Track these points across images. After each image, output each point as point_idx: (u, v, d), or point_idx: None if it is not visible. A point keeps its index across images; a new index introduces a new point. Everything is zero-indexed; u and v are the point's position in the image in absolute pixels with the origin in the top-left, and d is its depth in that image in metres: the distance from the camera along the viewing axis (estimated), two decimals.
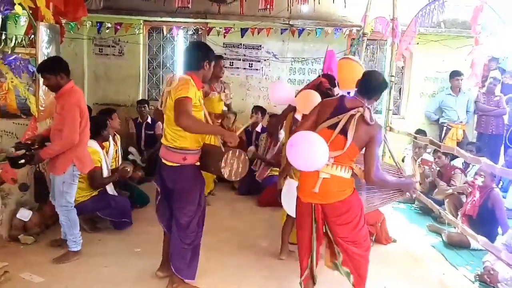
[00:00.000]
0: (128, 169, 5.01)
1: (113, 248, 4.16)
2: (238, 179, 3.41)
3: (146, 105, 7.24)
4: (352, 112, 3.05)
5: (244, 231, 4.40)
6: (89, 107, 6.36)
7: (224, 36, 7.66)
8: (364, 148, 3.10)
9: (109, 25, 7.43)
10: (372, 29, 6.91)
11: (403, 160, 7.06)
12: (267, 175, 6.29)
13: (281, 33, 7.60)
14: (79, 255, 4.08)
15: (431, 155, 6.58)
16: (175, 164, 3.35)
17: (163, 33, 7.86)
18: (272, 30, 7.55)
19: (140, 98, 7.85)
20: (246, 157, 3.36)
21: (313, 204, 3.16)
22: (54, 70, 3.84)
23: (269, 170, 6.32)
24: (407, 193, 3.79)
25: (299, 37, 7.64)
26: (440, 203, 5.47)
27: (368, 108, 3.07)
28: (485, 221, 4.69)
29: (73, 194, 4.03)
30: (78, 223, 4.08)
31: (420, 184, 6.18)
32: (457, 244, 4.85)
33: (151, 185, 5.86)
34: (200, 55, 3.37)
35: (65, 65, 3.94)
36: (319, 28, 7.56)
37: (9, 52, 4.61)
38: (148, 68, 8.09)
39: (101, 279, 3.77)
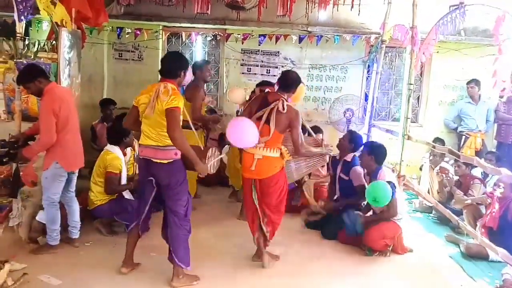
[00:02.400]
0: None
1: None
2: (214, 172, 3.98)
3: None
4: (271, 105, 3.92)
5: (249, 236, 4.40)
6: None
7: (242, 43, 7.68)
8: (289, 130, 3.97)
9: (129, 30, 7.50)
10: (390, 37, 6.86)
11: (420, 169, 6.97)
12: None
13: (299, 40, 7.59)
14: (55, 249, 4.27)
15: (449, 163, 6.49)
16: (169, 161, 3.59)
17: (182, 38, 7.92)
18: (290, 37, 7.54)
19: None
20: (218, 153, 3.98)
21: (252, 179, 4.05)
22: (31, 77, 4.03)
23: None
24: (327, 158, 4.59)
25: (317, 44, 7.63)
26: (458, 213, 5.39)
27: (284, 100, 3.93)
28: (506, 233, 4.59)
29: (55, 191, 4.19)
30: (57, 220, 4.25)
31: (438, 193, 6.10)
32: (475, 256, 4.77)
33: None
34: (179, 65, 3.68)
35: (40, 70, 4.13)
36: (337, 35, 7.54)
37: (32, 57, 4.68)
38: None
39: (117, 283, 3.80)
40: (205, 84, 5.81)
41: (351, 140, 5.39)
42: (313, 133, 4.81)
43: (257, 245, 4.28)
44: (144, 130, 3.65)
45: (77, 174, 4.43)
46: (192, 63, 6.12)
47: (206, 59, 8.01)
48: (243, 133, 3.87)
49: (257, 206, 4.14)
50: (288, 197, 5.78)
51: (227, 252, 4.54)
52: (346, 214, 4.99)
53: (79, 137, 4.33)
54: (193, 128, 3.93)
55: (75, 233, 4.42)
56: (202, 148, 3.83)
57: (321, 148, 4.37)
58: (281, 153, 4.06)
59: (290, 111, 3.94)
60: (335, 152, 5.33)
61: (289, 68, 7.79)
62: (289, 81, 4.11)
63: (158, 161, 3.59)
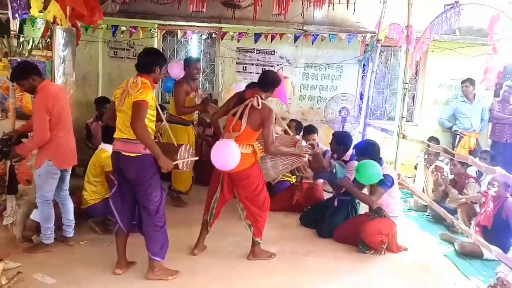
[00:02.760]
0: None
1: (130, 252, 4.12)
2: (188, 170, 3.98)
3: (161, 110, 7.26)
4: (246, 102, 4.01)
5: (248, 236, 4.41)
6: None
7: (238, 41, 7.68)
8: (261, 128, 4.01)
9: (124, 28, 7.49)
10: (386, 36, 6.88)
11: (415, 168, 7.00)
12: (279, 180, 6.26)
13: (295, 39, 7.59)
14: (49, 248, 4.24)
15: (444, 162, 6.51)
16: (137, 155, 3.57)
17: (177, 37, 7.90)
18: (285, 35, 7.55)
19: (159, 100, 7.91)
20: (193, 151, 3.92)
21: (221, 173, 4.12)
22: (24, 75, 4.03)
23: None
24: (305, 158, 4.44)
25: (312, 43, 7.63)
26: (453, 212, 5.41)
27: (258, 97, 4.00)
28: (500, 231, 4.61)
29: (49, 189, 4.17)
30: (51, 218, 4.23)
31: (433, 191, 6.12)
32: (469, 254, 4.79)
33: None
34: (153, 60, 3.70)
35: (33, 67, 4.13)
36: (332, 34, 7.55)
37: (26, 55, 4.66)
38: None
39: (112, 282, 3.78)
40: (194, 81, 5.84)
41: (338, 142, 5.42)
42: (290, 132, 4.76)
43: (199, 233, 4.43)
44: (117, 123, 3.68)
45: (70, 172, 4.42)
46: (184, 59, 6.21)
47: (202, 57, 8.04)
48: (227, 157, 3.92)
49: (218, 196, 4.27)
50: (285, 196, 5.89)
51: (223, 251, 4.54)
52: (345, 215, 5.00)
53: (72, 135, 4.31)
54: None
55: (70, 232, 4.41)
56: (176, 145, 3.82)
57: (295, 149, 4.32)
58: (253, 150, 4.12)
59: (264, 108, 4.01)
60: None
61: (285, 67, 7.82)
62: (268, 81, 4.19)
63: (127, 154, 3.59)
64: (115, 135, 3.70)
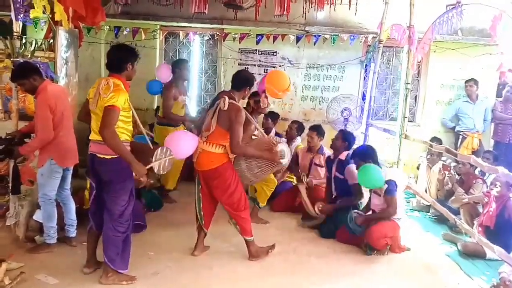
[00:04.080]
0: (142, 179, 5.10)
1: None
2: (165, 172, 3.84)
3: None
4: (217, 102, 4.09)
5: (257, 237, 4.40)
6: None
7: (240, 42, 7.68)
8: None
9: (126, 30, 7.50)
10: (388, 36, 6.88)
11: (418, 168, 6.99)
12: (281, 180, 6.26)
13: (297, 40, 7.59)
14: (51, 248, 4.26)
15: (447, 162, 6.50)
16: (112, 157, 3.52)
17: (179, 38, 7.91)
18: (287, 37, 7.55)
19: (155, 102, 7.91)
20: (172, 154, 3.78)
21: (197, 171, 4.22)
22: (25, 75, 4.05)
23: (287, 174, 6.29)
24: (281, 163, 4.34)
25: (314, 44, 7.64)
26: (456, 212, 5.40)
27: (226, 98, 4.04)
28: (503, 231, 4.61)
29: (51, 188, 4.19)
30: (54, 218, 4.24)
31: (438, 190, 6.11)
32: (472, 254, 4.78)
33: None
34: (123, 58, 3.60)
35: (34, 68, 4.15)
36: (334, 35, 7.55)
37: (29, 56, 4.67)
38: None
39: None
40: (185, 82, 5.96)
41: (344, 139, 5.42)
42: (264, 134, 4.70)
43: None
44: (92, 125, 3.64)
45: (71, 171, 4.42)
46: (172, 61, 6.35)
47: (204, 58, 8.07)
48: (180, 144, 3.97)
49: (200, 195, 4.33)
50: (287, 197, 5.89)
51: (225, 251, 4.54)
52: (346, 215, 4.99)
53: (73, 134, 4.33)
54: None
55: (72, 232, 4.42)
56: (152, 147, 3.80)
57: (269, 153, 4.23)
58: (226, 151, 4.13)
59: (231, 109, 4.03)
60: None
61: (287, 67, 7.83)
62: (236, 81, 4.27)
63: (102, 156, 3.55)
64: (90, 137, 3.65)
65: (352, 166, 5.12)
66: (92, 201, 3.79)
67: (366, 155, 4.89)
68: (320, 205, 5.34)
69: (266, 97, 4.90)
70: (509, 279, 3.93)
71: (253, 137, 4.63)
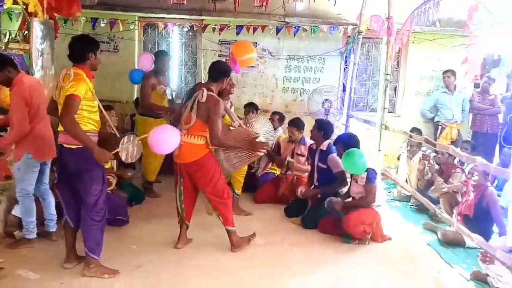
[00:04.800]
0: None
1: (109, 245, 4.12)
2: (133, 161, 3.88)
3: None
4: (195, 94, 4.09)
5: (239, 229, 4.43)
6: None
7: (219, 33, 7.66)
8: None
9: (104, 21, 7.40)
10: (367, 27, 6.93)
11: (398, 158, 7.09)
12: (264, 171, 6.30)
13: (277, 31, 7.60)
14: (32, 243, 4.21)
15: (427, 153, 6.61)
16: (77, 146, 3.52)
17: (158, 29, 7.84)
18: (267, 28, 7.56)
19: (135, 94, 7.84)
20: (140, 141, 3.83)
21: (179, 163, 4.22)
22: (0, 66, 3.97)
23: (270, 165, 6.33)
24: (259, 152, 4.43)
25: (294, 35, 7.66)
26: (436, 202, 5.50)
27: (204, 90, 4.05)
28: (481, 220, 4.72)
29: (29, 183, 4.13)
30: (33, 213, 4.19)
31: (419, 180, 6.22)
32: (452, 243, 4.88)
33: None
34: (85, 47, 3.61)
35: (8, 59, 4.09)
36: (314, 26, 7.58)
37: (3, 48, 4.59)
38: None
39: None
40: (162, 74, 5.88)
41: (319, 128, 5.47)
42: (243, 125, 4.68)
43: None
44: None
45: (50, 165, 4.37)
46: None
47: (183, 50, 8.03)
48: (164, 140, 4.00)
49: (181, 188, 4.35)
50: (269, 188, 5.93)
51: (207, 243, 4.55)
52: (326, 202, 5.06)
53: (50, 127, 4.26)
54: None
55: (52, 226, 4.37)
56: (118, 135, 3.79)
57: (248, 144, 4.30)
58: (207, 141, 4.16)
59: (209, 101, 4.06)
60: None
61: (267, 59, 7.84)
62: (213, 72, 4.31)
63: (68, 146, 3.55)
64: (58, 128, 3.64)
65: (335, 155, 5.19)
66: (62, 192, 3.78)
67: (348, 142, 4.96)
68: (303, 189, 5.38)
69: (231, 79, 5.00)
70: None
71: (231, 128, 4.62)
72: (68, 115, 3.40)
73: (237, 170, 4.80)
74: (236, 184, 5.48)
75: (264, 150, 4.41)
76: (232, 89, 5.38)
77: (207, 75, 4.39)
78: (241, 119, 4.87)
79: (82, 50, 3.60)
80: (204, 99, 4.04)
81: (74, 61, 3.61)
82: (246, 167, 5.49)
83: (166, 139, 3.99)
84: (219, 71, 4.31)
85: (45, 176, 4.33)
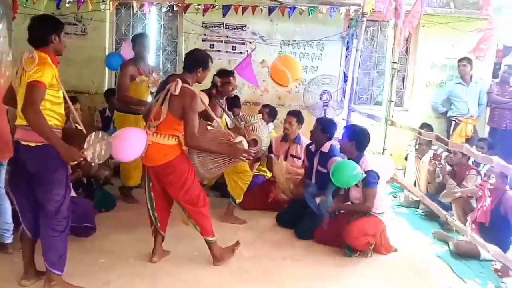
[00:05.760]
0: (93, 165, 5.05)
1: (73, 258, 4.09)
2: (101, 161, 3.80)
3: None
4: (168, 86, 3.98)
5: (224, 240, 4.42)
6: None
7: (203, 15, 7.60)
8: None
9: None
10: (372, 9, 6.92)
11: (406, 158, 7.11)
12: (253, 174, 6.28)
13: (269, 12, 7.57)
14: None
15: (438, 152, 6.63)
16: (37, 144, 3.44)
17: (133, 10, 7.76)
18: (258, 9, 7.51)
19: (106, 83, 7.80)
20: (109, 139, 3.71)
21: (147, 166, 4.17)
22: None
23: (257, 166, 6.32)
24: (240, 159, 4.41)
25: (289, 17, 7.63)
26: (448, 208, 5.52)
27: (178, 81, 3.95)
28: (498, 229, 4.73)
29: None
30: None
31: (429, 183, 6.23)
32: (465, 254, 4.90)
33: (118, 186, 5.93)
34: (46, 29, 3.56)
35: None
36: (312, 7, 7.55)
37: None
38: (116, 49, 8.01)
39: None
40: (142, 60, 5.71)
41: (323, 130, 5.46)
42: (222, 126, 4.66)
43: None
44: (18, 108, 3.52)
45: (5, 167, 4.32)
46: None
47: (162, 33, 7.99)
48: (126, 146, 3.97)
49: (151, 194, 4.28)
50: (259, 193, 5.91)
51: (188, 256, 4.53)
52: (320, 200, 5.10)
53: (6, 123, 4.19)
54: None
55: (8, 237, 4.32)
56: (85, 132, 3.71)
57: (229, 148, 4.31)
58: (179, 142, 4.10)
59: (185, 93, 3.97)
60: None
61: (258, 44, 7.82)
62: (188, 61, 4.26)
63: (26, 143, 3.47)
64: (16, 122, 3.56)
65: (336, 159, 5.18)
66: (19, 198, 3.71)
67: (354, 135, 4.94)
68: (292, 186, 5.43)
69: (235, 79, 4.98)
70: None
71: (209, 128, 4.58)
72: (32, 105, 3.30)
73: (212, 176, 4.74)
74: (236, 190, 5.45)
75: (244, 159, 4.39)
76: (233, 91, 5.27)
77: (183, 64, 4.33)
78: (239, 117, 4.86)
79: (43, 32, 3.54)
80: (177, 92, 3.94)
81: (34, 45, 3.53)
82: (251, 174, 5.52)
83: (126, 144, 3.94)
84: (196, 60, 4.24)
85: (0, 179, 4.28)
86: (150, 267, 4.28)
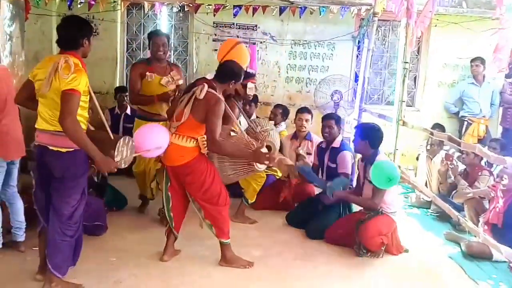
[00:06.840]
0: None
1: (85, 256, 4.13)
2: (127, 166, 3.71)
3: (127, 94, 7.21)
4: (194, 89, 4.05)
5: (235, 239, 4.43)
6: None
7: (214, 15, 7.64)
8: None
9: (82, 0, 7.38)
10: (384, 8, 6.90)
11: (417, 159, 7.08)
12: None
13: (280, 12, 7.58)
14: None
15: (450, 152, 6.60)
16: (67, 150, 3.44)
17: (144, 10, 7.81)
18: (269, 8, 7.53)
19: (117, 84, 7.85)
20: (133, 143, 3.72)
21: (166, 166, 4.28)
22: None
23: None
24: (261, 166, 4.38)
25: (300, 16, 7.63)
26: (460, 208, 5.49)
27: (204, 86, 4.01)
28: (511, 230, 4.70)
29: None
30: None
31: (441, 183, 6.20)
32: (477, 255, 4.87)
33: (129, 184, 5.95)
34: (78, 31, 3.51)
35: None
36: (323, 7, 7.55)
37: None
38: (127, 50, 8.07)
39: None
40: (160, 61, 5.37)
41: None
42: (245, 134, 4.54)
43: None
44: (40, 112, 3.49)
45: (18, 166, 4.36)
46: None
47: (173, 33, 8.03)
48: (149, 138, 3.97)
49: (168, 194, 4.34)
50: (270, 193, 5.91)
51: (198, 256, 4.54)
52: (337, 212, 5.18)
53: (18, 122, 4.24)
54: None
55: (20, 236, 4.36)
56: (113, 137, 3.60)
57: (252, 154, 4.20)
58: (197, 145, 4.12)
59: (209, 99, 4.01)
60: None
61: (269, 44, 7.83)
62: (221, 72, 4.25)
63: (55, 149, 3.45)
64: (38, 125, 3.52)
65: (347, 153, 5.19)
66: (37, 198, 3.72)
67: (367, 133, 4.90)
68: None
69: (255, 81, 4.98)
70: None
71: (232, 133, 4.56)
72: (70, 114, 3.27)
73: (230, 182, 4.70)
74: (249, 191, 5.50)
75: (266, 165, 4.33)
76: (250, 96, 5.09)
77: (215, 72, 4.30)
78: (253, 121, 4.87)
79: (75, 34, 3.48)
80: (202, 96, 3.99)
81: (64, 47, 3.48)
82: (265, 175, 5.52)
83: (152, 137, 3.94)
84: (230, 73, 4.25)
85: (12, 178, 4.32)
86: (161, 266, 4.30)
